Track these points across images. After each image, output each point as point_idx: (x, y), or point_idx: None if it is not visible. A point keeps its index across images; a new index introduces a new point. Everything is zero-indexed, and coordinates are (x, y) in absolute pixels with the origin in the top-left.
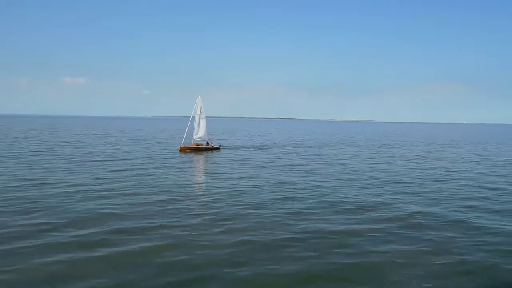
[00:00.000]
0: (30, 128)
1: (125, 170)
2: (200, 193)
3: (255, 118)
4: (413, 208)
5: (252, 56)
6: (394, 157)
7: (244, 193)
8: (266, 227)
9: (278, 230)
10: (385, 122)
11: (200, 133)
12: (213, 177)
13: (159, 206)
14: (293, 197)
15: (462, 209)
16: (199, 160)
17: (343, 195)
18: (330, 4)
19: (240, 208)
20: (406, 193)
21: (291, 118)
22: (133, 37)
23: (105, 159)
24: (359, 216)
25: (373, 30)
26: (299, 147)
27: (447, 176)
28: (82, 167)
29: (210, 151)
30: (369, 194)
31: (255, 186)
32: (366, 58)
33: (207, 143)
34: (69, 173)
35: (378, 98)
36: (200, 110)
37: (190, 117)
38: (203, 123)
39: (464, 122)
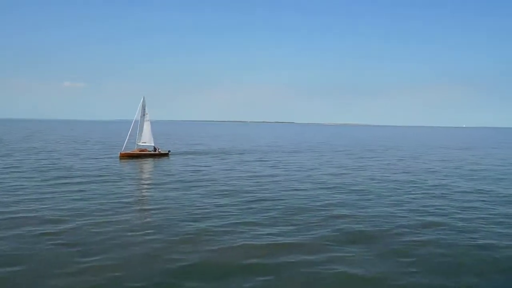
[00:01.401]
0: (9, 132)
1: (47, 185)
2: (107, 221)
3: (254, 122)
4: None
5: (250, 58)
6: (356, 167)
7: (156, 222)
8: None
9: None
10: (383, 126)
11: (144, 138)
12: (136, 197)
13: (35, 242)
14: (204, 228)
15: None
16: (136, 170)
17: (252, 234)
18: (328, 7)
19: (125, 252)
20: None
21: (291, 122)
22: (132, 41)
23: (39, 168)
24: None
25: (372, 32)
26: (272, 152)
27: (392, 193)
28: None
29: (156, 158)
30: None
31: (175, 210)
32: (367, 60)
33: (154, 148)
34: None
35: (379, 101)
36: (144, 112)
37: (190, 120)
38: (147, 126)
39: (463, 126)
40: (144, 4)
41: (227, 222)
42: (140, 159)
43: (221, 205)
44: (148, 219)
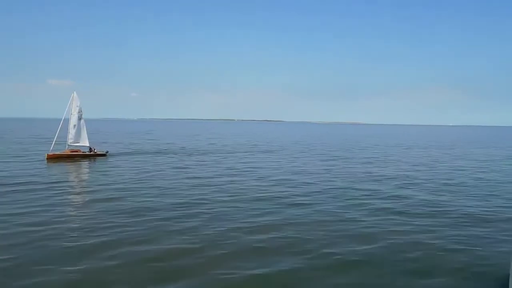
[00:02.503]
0: None
1: None
2: None
3: (243, 120)
4: None
5: (243, 59)
6: (317, 171)
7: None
8: None
9: None
10: (372, 124)
11: (77, 137)
12: (34, 215)
13: None
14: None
15: None
16: (59, 176)
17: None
18: (321, 8)
19: None
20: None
21: (279, 121)
22: (121, 40)
23: None
24: None
25: (363, 34)
26: (237, 152)
27: (337, 209)
28: None
29: (92, 159)
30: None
31: (70, 237)
32: (355, 61)
33: (90, 148)
34: None
35: (367, 100)
36: (79, 110)
37: (179, 119)
38: (81, 124)
39: (450, 124)
40: (143, 4)
41: (116, 252)
42: (71, 161)
43: (130, 225)
44: (25, 245)
